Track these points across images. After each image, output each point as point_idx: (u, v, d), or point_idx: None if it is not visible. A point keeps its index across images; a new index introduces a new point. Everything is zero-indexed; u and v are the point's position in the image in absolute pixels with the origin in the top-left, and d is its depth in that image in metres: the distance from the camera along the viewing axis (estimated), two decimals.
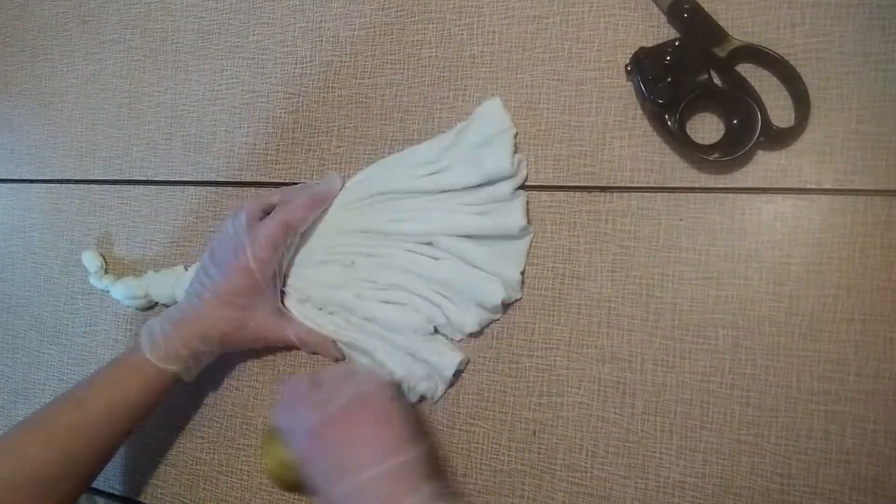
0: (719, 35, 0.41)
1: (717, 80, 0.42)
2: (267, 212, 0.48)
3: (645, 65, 0.42)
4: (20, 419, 0.45)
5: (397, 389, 0.44)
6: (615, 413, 0.43)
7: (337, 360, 0.50)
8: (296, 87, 0.54)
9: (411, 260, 0.46)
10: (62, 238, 0.63)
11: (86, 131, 0.63)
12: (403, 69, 0.51)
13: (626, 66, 0.43)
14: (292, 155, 0.54)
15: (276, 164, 0.54)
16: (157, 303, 0.57)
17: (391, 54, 0.51)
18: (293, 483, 0.43)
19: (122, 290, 0.57)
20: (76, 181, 0.63)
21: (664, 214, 0.43)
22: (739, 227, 0.41)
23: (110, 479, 0.57)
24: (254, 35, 0.56)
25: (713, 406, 0.41)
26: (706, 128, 0.43)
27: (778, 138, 0.40)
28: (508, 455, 0.45)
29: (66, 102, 0.64)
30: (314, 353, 0.50)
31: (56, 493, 0.43)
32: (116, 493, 0.57)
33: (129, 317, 0.59)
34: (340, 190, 0.50)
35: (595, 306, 0.44)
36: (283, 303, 0.50)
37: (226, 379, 0.54)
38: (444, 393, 0.46)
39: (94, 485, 0.52)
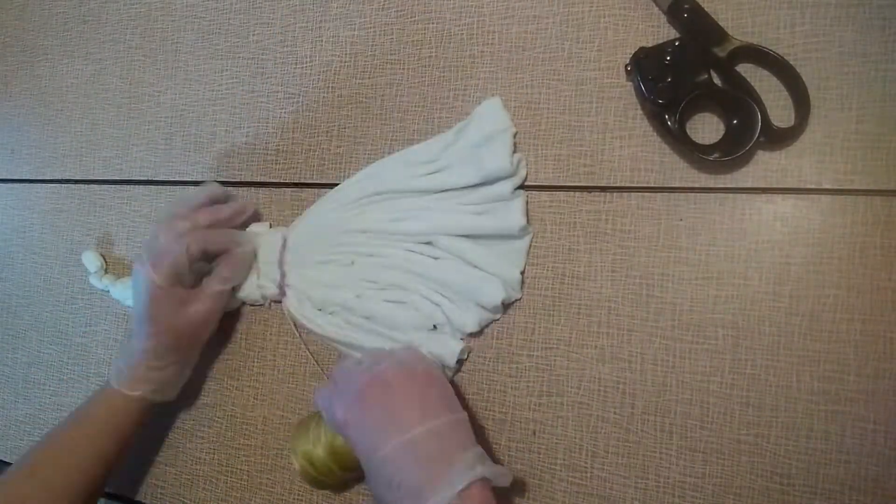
0: (719, 35, 0.41)
1: (717, 80, 0.42)
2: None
3: (645, 65, 0.42)
4: (20, 419, 0.45)
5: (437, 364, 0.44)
6: (615, 413, 0.43)
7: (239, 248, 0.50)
8: (296, 87, 0.54)
9: (411, 259, 0.46)
10: (62, 238, 0.63)
11: (86, 131, 0.63)
12: (403, 69, 0.51)
13: (626, 66, 0.43)
14: (292, 155, 0.54)
15: (276, 164, 0.54)
16: None
17: (391, 54, 0.51)
18: (325, 468, 0.43)
19: (122, 290, 0.57)
20: (76, 181, 0.63)
21: (664, 214, 0.43)
22: (739, 227, 0.41)
23: (110, 479, 0.57)
24: (254, 35, 0.56)
25: (713, 406, 0.41)
26: (706, 128, 0.43)
27: (778, 138, 0.40)
28: (508, 455, 0.45)
29: (66, 102, 0.64)
30: (230, 277, 0.49)
31: None
32: (116, 493, 0.57)
33: (129, 317, 0.59)
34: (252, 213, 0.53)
35: (595, 306, 0.44)
36: (283, 303, 0.50)
37: (226, 379, 0.54)
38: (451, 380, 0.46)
39: None
